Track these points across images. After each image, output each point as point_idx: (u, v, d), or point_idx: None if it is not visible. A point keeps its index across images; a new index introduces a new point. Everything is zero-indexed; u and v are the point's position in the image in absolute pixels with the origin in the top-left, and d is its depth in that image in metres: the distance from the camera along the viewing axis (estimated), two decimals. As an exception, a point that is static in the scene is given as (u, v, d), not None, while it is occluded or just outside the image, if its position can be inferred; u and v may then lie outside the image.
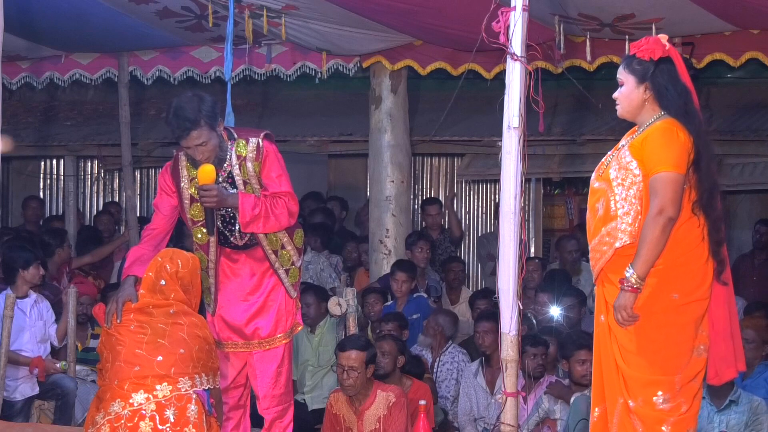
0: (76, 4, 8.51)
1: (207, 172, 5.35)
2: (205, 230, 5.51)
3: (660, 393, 4.48)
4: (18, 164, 13.01)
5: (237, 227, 5.54)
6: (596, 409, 4.67)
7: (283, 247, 5.58)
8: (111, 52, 9.93)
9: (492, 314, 7.32)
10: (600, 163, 4.72)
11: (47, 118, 12.52)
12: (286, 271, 5.61)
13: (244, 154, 5.48)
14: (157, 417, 5.01)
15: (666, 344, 4.49)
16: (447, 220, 10.44)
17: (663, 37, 4.61)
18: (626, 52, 7.97)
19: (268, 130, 5.67)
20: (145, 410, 5.01)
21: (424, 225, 10.62)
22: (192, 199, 5.52)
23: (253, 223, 5.39)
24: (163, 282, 5.26)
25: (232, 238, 5.57)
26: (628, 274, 4.44)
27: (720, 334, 4.62)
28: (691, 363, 4.53)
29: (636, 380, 4.51)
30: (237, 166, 5.46)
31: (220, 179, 5.45)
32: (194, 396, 5.08)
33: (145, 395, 5.03)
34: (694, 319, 4.52)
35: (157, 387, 5.05)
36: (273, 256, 5.57)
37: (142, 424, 5.00)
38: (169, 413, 5.01)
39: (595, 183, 4.67)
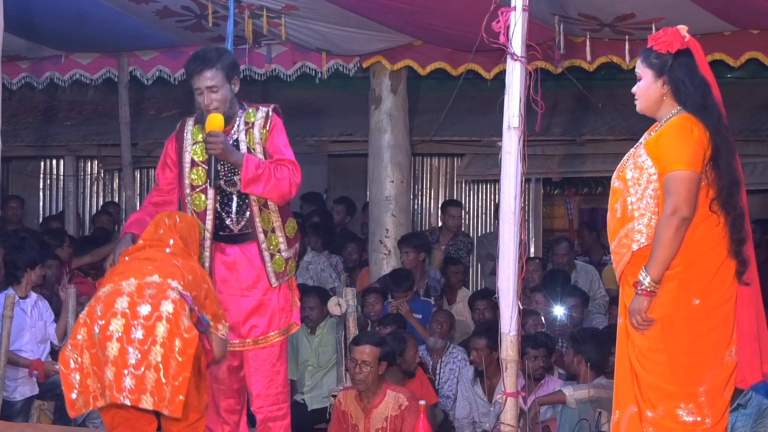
0: (76, 4, 8.51)
1: (215, 119, 5.40)
2: (204, 197, 5.51)
3: (683, 405, 4.35)
4: (18, 164, 13.02)
5: (234, 207, 5.53)
6: (616, 412, 4.55)
7: (273, 230, 5.55)
8: (111, 52, 9.94)
9: (485, 330, 7.29)
10: (621, 161, 4.57)
11: (47, 118, 12.52)
12: (271, 256, 5.56)
13: (252, 121, 5.54)
14: (135, 293, 4.98)
15: (688, 353, 4.36)
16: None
17: (682, 28, 4.47)
18: (626, 51, 8.13)
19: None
20: (124, 289, 5.00)
21: (441, 225, 10.63)
22: (193, 163, 5.55)
23: (254, 182, 5.37)
24: (161, 231, 5.29)
25: (228, 221, 5.55)
26: (641, 277, 4.32)
27: (745, 336, 4.48)
28: (719, 369, 4.38)
29: (657, 389, 4.38)
30: (243, 132, 5.51)
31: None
32: (175, 287, 5.03)
33: (135, 280, 5.03)
34: (717, 323, 4.38)
35: (147, 276, 5.04)
36: (262, 236, 5.54)
37: (118, 299, 4.98)
38: (149, 291, 4.99)
39: (615, 182, 4.54)
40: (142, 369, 4.90)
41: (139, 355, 4.90)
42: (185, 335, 4.95)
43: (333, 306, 7.17)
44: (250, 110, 5.59)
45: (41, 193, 13.29)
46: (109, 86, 10.93)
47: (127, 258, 5.25)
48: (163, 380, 4.91)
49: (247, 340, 5.61)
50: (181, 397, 4.93)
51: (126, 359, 4.90)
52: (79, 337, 5.02)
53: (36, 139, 12.03)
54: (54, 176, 13.18)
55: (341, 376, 7.29)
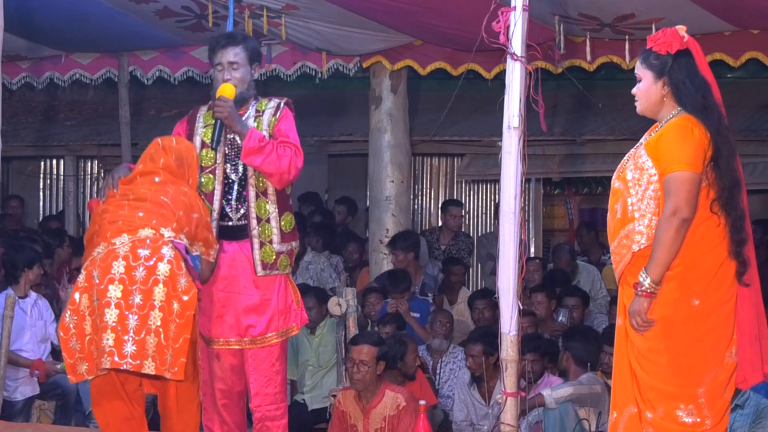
0: (76, 4, 8.51)
1: (227, 88, 5.50)
2: (212, 177, 5.53)
3: (682, 406, 4.33)
4: (18, 164, 13.03)
5: (234, 195, 5.53)
6: (614, 413, 4.53)
7: (268, 220, 5.54)
8: (111, 52, 9.93)
9: (480, 336, 7.28)
10: (622, 162, 4.55)
11: (47, 118, 12.53)
12: (261, 244, 5.54)
13: (263, 109, 5.60)
14: (130, 256, 4.99)
15: (688, 354, 4.34)
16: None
17: (681, 29, 4.44)
18: (626, 51, 8.13)
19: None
20: (119, 250, 5.00)
21: (441, 225, 10.62)
22: (203, 144, 5.58)
23: (255, 154, 5.39)
24: (153, 150, 5.29)
25: (227, 208, 5.55)
26: (641, 278, 4.30)
27: (746, 337, 4.46)
28: (719, 370, 4.37)
29: (656, 390, 4.36)
30: (253, 119, 5.56)
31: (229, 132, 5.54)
32: (170, 241, 5.05)
33: (128, 237, 5.03)
34: (717, 324, 4.36)
35: (140, 231, 5.04)
36: (254, 222, 5.53)
37: (114, 263, 4.98)
38: (143, 252, 4.99)
39: (615, 183, 4.52)
40: (143, 334, 4.92)
41: (139, 321, 4.92)
42: (183, 297, 4.99)
43: (333, 306, 7.17)
44: (264, 100, 5.66)
45: (41, 193, 13.29)
46: (109, 86, 10.93)
47: (118, 195, 5.22)
48: (164, 343, 4.94)
49: (245, 339, 5.60)
50: (182, 359, 4.97)
51: (126, 325, 4.91)
52: (78, 302, 5.03)
53: (36, 139, 12.03)
54: (54, 176, 13.19)
55: (341, 376, 7.29)
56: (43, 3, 8.40)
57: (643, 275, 4.31)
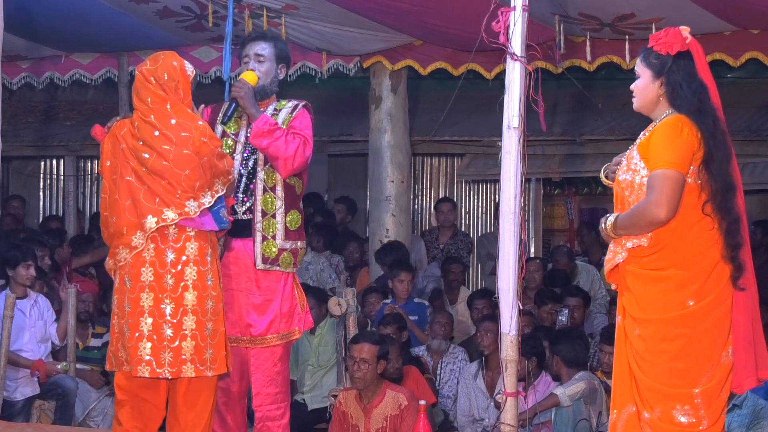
0: (76, 4, 8.52)
1: (250, 74, 5.60)
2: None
3: (679, 406, 4.33)
4: (18, 164, 13.02)
5: (241, 187, 5.54)
6: (614, 412, 4.53)
7: (273, 216, 5.56)
8: (111, 52, 9.94)
9: (496, 316, 7.31)
10: (620, 164, 4.57)
11: (47, 118, 12.53)
12: (263, 238, 5.54)
13: (280, 108, 5.68)
14: (157, 263, 5.04)
15: (684, 355, 4.34)
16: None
17: (684, 29, 4.44)
18: (626, 51, 8.13)
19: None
20: (144, 255, 5.04)
21: (437, 224, 10.62)
22: (223, 134, 5.62)
23: (264, 135, 5.45)
24: (137, 93, 5.21)
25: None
26: (603, 222, 4.39)
27: (740, 342, 4.44)
28: (716, 370, 4.36)
29: (653, 391, 4.36)
30: (270, 115, 5.60)
31: (251, 127, 5.57)
32: (192, 233, 5.08)
33: (142, 234, 5.03)
34: (713, 325, 4.35)
35: (149, 224, 5.02)
36: (259, 215, 5.54)
37: (143, 269, 5.04)
38: (169, 258, 5.04)
39: (614, 186, 4.56)
40: (177, 341, 5.01)
41: (173, 328, 5.01)
42: (213, 293, 5.10)
43: (333, 306, 7.17)
44: (283, 101, 5.74)
45: (41, 193, 13.29)
46: (109, 86, 10.93)
47: (123, 145, 5.16)
48: (202, 344, 5.04)
49: (244, 338, 5.61)
50: (222, 352, 5.10)
51: (162, 334, 5.00)
52: (116, 303, 5.14)
53: (36, 139, 12.04)
54: (54, 176, 13.19)
55: (341, 376, 7.29)
56: (43, 3, 8.40)
57: (607, 222, 4.38)
